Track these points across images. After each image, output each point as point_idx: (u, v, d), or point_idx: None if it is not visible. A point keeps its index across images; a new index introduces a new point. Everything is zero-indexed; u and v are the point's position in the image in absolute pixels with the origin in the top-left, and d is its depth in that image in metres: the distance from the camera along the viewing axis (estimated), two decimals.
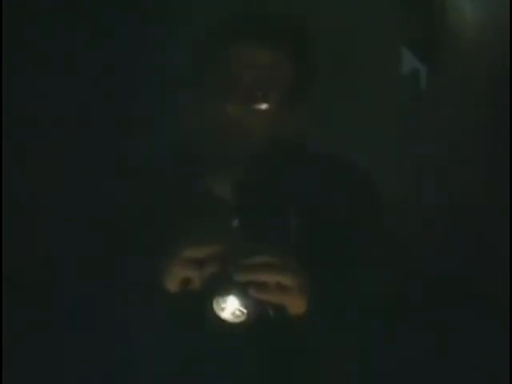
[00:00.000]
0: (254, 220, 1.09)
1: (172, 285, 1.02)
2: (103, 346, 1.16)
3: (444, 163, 1.74)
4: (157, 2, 1.72)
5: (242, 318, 0.98)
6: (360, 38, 1.72)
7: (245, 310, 0.98)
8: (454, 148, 1.73)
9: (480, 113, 1.73)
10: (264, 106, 1.13)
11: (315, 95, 1.21)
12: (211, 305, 0.98)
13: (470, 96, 1.73)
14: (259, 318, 0.99)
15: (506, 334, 1.60)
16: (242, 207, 1.15)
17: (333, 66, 1.55)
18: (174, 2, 1.73)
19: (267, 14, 1.18)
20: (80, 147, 1.56)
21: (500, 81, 1.68)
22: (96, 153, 1.50)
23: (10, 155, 1.49)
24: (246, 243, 1.00)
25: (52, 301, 1.38)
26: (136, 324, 1.09)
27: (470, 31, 1.73)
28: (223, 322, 0.98)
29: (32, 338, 1.45)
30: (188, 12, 1.70)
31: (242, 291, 0.97)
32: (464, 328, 1.67)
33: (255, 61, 1.12)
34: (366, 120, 1.72)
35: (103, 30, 1.64)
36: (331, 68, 1.50)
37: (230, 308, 0.98)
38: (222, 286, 0.97)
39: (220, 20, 1.18)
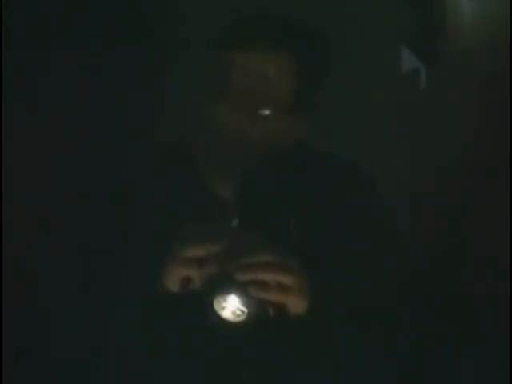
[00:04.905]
0: (254, 220, 1.09)
1: (172, 284, 1.02)
2: (103, 346, 1.16)
3: (444, 163, 1.74)
4: (158, 3, 1.72)
5: (243, 317, 0.98)
6: (360, 38, 1.72)
7: (245, 309, 0.98)
8: (454, 148, 1.73)
9: (480, 113, 1.73)
10: (265, 112, 1.13)
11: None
12: (212, 304, 0.98)
13: (470, 96, 1.73)
14: (259, 318, 0.99)
15: (506, 333, 1.60)
16: (242, 207, 1.15)
17: (332, 66, 1.55)
18: (175, 3, 1.73)
19: (268, 18, 1.18)
20: (79, 147, 1.56)
21: (500, 81, 1.68)
22: (96, 153, 1.49)
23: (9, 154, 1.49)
24: (246, 242, 1.00)
25: (51, 300, 1.38)
26: (136, 323, 1.09)
27: (469, 31, 1.73)
28: (224, 321, 0.98)
29: (30, 338, 1.45)
30: (189, 14, 1.70)
31: (242, 290, 0.97)
32: (464, 328, 1.67)
33: (256, 66, 1.12)
34: (366, 120, 1.72)
35: (103, 29, 1.63)
36: (331, 68, 1.50)
37: (231, 307, 0.98)
38: (223, 285, 0.97)
39: (221, 25, 1.18)
